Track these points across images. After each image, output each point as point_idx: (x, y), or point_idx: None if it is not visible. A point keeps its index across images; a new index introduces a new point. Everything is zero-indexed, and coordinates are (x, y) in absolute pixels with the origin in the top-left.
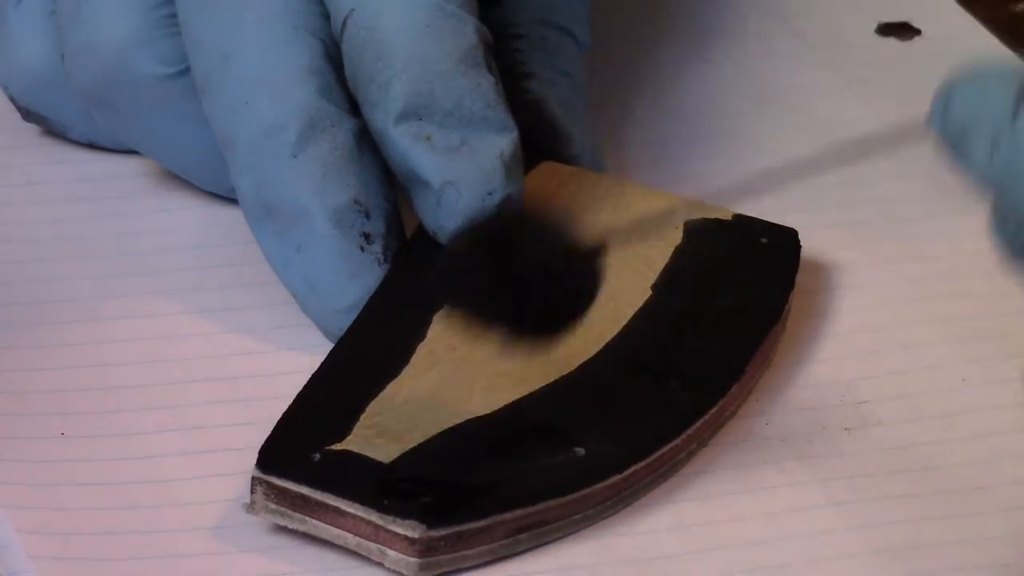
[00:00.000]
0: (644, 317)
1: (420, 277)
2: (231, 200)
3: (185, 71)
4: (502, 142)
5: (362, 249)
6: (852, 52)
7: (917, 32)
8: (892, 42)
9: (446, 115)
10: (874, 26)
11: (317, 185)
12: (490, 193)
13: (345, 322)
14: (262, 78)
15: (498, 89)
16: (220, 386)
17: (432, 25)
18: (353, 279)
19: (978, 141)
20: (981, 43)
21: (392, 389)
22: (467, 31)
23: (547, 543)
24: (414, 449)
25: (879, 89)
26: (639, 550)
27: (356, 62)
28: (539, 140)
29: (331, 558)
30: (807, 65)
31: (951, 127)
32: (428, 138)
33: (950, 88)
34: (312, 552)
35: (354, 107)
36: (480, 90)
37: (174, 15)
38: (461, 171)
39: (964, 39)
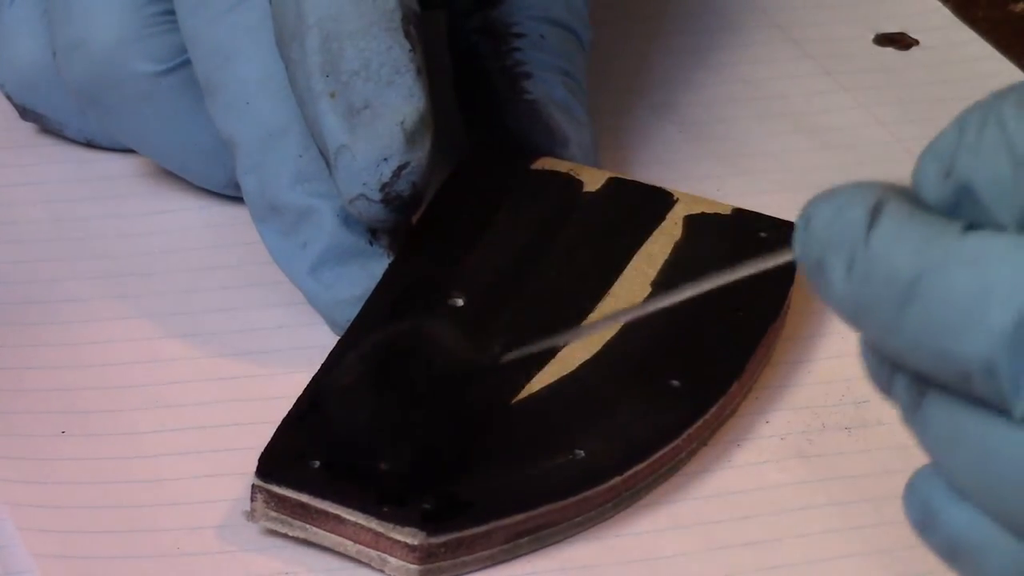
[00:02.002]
0: (643, 316)
1: (421, 269)
2: (230, 201)
3: (176, 68)
4: (406, 109)
5: (370, 243)
6: (850, 60)
7: (915, 42)
8: (890, 51)
9: (352, 75)
10: (872, 36)
11: (325, 184)
12: (385, 159)
13: (353, 311)
14: (263, 79)
15: (412, 57)
16: (220, 386)
17: None
18: (361, 271)
19: (835, 266)
20: (978, 52)
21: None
22: None
23: (547, 545)
24: (414, 454)
25: (877, 96)
26: (639, 550)
27: (280, 22)
28: (537, 141)
29: (332, 558)
30: (806, 72)
31: (810, 256)
32: (332, 95)
33: (806, 213)
34: (313, 552)
35: None
36: (390, 54)
37: (164, 12)
38: (358, 135)
39: (961, 48)
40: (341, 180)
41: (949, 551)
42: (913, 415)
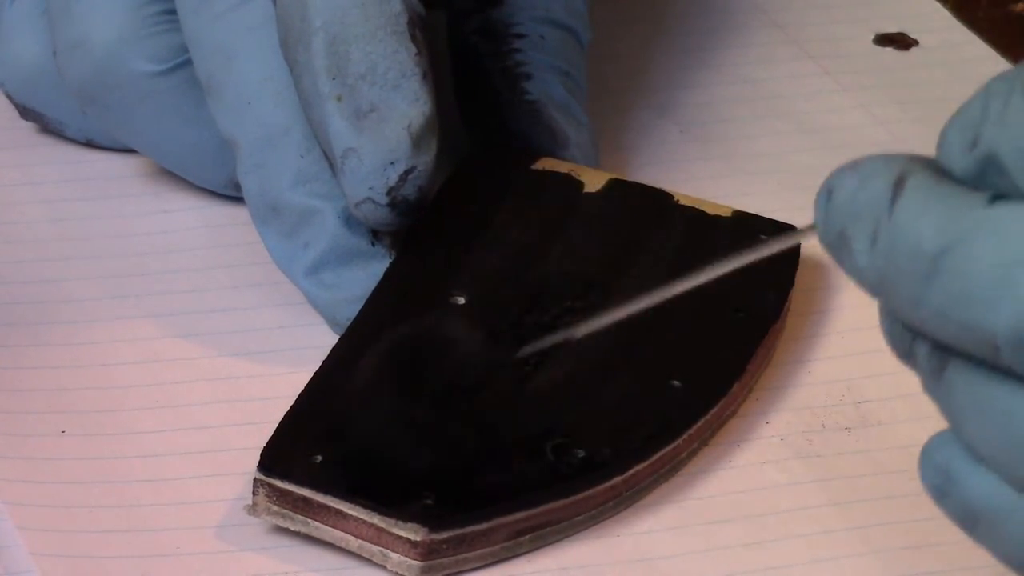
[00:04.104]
0: (644, 316)
1: (422, 268)
2: (230, 201)
3: (175, 68)
4: (412, 113)
5: (372, 244)
6: (850, 60)
7: (914, 42)
8: (890, 51)
9: (358, 78)
10: (872, 36)
11: (327, 185)
12: (392, 163)
13: (354, 311)
14: (264, 79)
15: (418, 60)
16: (220, 386)
17: None
18: (362, 272)
19: (858, 238)
20: (978, 52)
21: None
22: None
23: (548, 544)
24: (416, 451)
25: (877, 96)
26: (640, 550)
27: (285, 25)
28: (537, 142)
29: (332, 558)
30: (806, 72)
31: (831, 227)
32: (339, 98)
33: (828, 184)
34: (313, 551)
35: None
36: (396, 58)
37: (164, 12)
38: (365, 138)
39: (961, 48)
40: (347, 183)
41: (967, 517)
42: (935, 383)
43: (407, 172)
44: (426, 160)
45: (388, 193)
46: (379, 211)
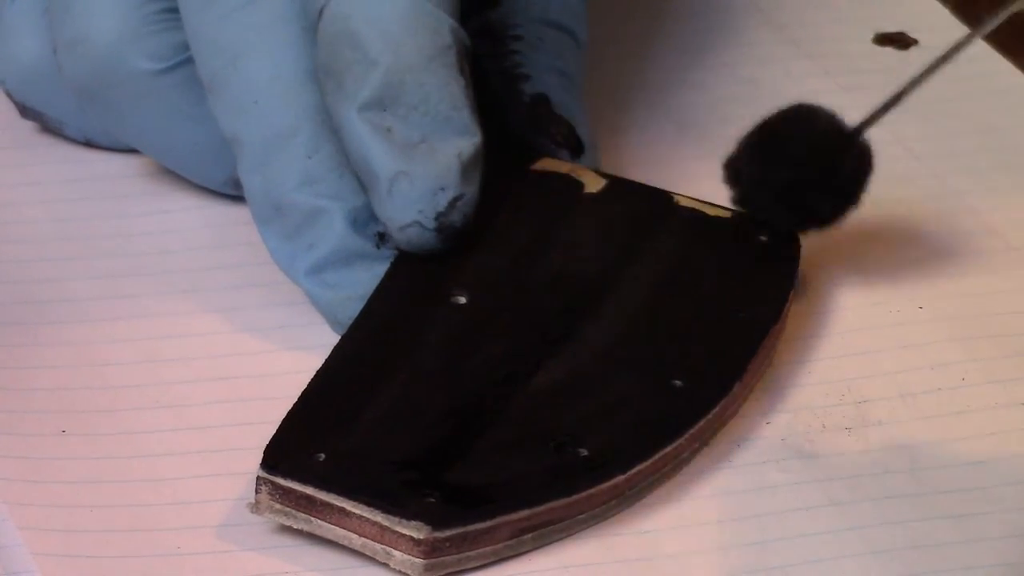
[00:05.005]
0: (645, 316)
1: (423, 268)
2: (230, 201)
3: (176, 66)
4: (462, 144)
5: (377, 247)
6: (850, 60)
7: (914, 42)
8: (889, 51)
9: (410, 109)
10: (871, 36)
11: (334, 186)
12: (442, 188)
13: (356, 310)
14: (272, 78)
15: (467, 93)
16: (220, 386)
17: (408, 19)
18: (366, 273)
19: None
20: (978, 52)
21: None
22: (443, 30)
23: (550, 543)
24: (419, 449)
25: (877, 96)
26: (641, 550)
27: (329, 51)
28: (535, 143)
29: (334, 557)
30: (805, 72)
31: None
32: (389, 129)
33: None
34: (315, 551)
35: None
36: (448, 90)
37: (165, 10)
38: (416, 163)
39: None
40: (395, 206)
41: None
42: None
43: (456, 199)
44: (473, 190)
45: (436, 218)
46: (425, 235)
